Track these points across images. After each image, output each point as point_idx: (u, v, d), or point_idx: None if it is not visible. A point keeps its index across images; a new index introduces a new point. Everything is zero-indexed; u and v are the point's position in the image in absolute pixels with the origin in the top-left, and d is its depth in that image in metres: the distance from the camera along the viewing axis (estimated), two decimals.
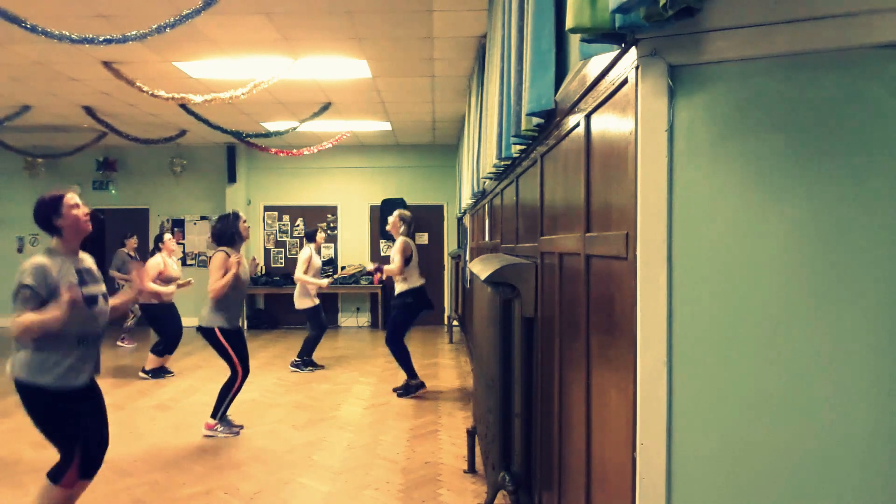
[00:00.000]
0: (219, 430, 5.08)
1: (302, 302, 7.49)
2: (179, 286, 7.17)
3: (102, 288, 3.20)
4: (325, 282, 7.59)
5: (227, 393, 5.07)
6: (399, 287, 6.40)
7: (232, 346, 5.02)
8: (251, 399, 6.22)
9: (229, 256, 5.03)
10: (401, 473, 4.22)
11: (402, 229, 6.48)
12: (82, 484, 3.18)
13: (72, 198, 3.09)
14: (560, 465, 2.43)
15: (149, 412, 5.81)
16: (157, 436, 5.08)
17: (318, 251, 7.78)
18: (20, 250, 11.36)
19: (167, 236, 7.21)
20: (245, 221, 5.22)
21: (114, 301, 3.35)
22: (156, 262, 6.96)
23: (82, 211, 3.10)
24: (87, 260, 3.19)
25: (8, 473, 4.27)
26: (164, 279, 6.97)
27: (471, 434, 4.32)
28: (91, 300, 3.06)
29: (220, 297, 4.97)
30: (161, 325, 7.13)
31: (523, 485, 3.06)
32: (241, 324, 5.21)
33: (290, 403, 6.08)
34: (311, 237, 7.72)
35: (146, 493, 3.92)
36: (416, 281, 6.39)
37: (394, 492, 3.91)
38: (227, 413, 5.19)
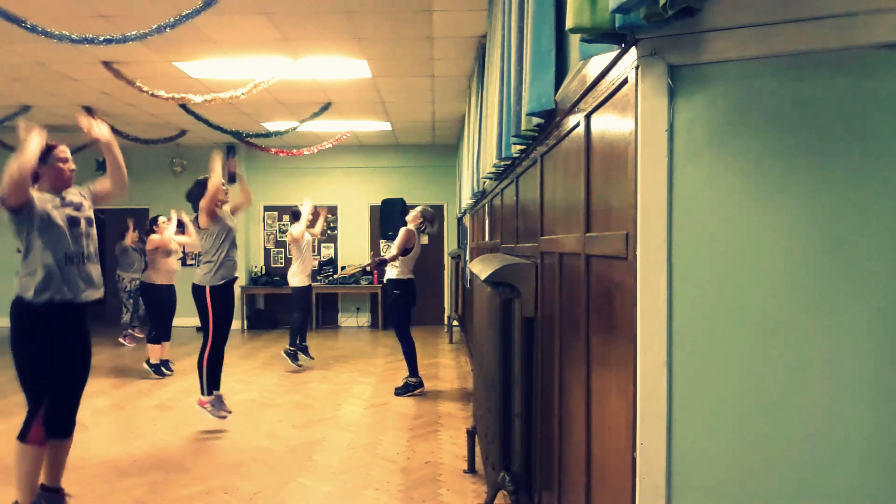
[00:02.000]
0: (210, 408, 5.12)
1: (294, 278, 7.56)
2: (185, 251, 7.29)
3: (88, 213, 3.32)
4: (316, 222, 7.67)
5: (202, 361, 5.11)
6: (390, 273, 6.43)
7: (214, 308, 5.03)
8: (251, 399, 6.22)
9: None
10: (401, 473, 4.22)
11: (418, 223, 6.50)
12: (56, 445, 3.19)
13: (63, 150, 3.18)
14: (560, 465, 2.43)
15: (149, 412, 5.81)
16: (157, 436, 5.08)
17: (313, 225, 7.91)
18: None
19: (161, 219, 7.28)
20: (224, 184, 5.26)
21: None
22: (154, 237, 7.08)
23: (68, 166, 3.18)
24: (73, 192, 3.29)
25: (8, 473, 4.27)
26: (164, 251, 7.07)
27: (471, 434, 4.32)
28: (73, 221, 3.20)
29: (214, 257, 5.02)
30: (153, 305, 7.18)
31: (523, 485, 3.06)
32: (235, 287, 5.28)
33: (289, 403, 6.08)
34: (296, 216, 7.76)
35: (146, 493, 3.92)
36: (406, 273, 6.40)
37: (394, 492, 3.91)
38: (222, 394, 5.21)
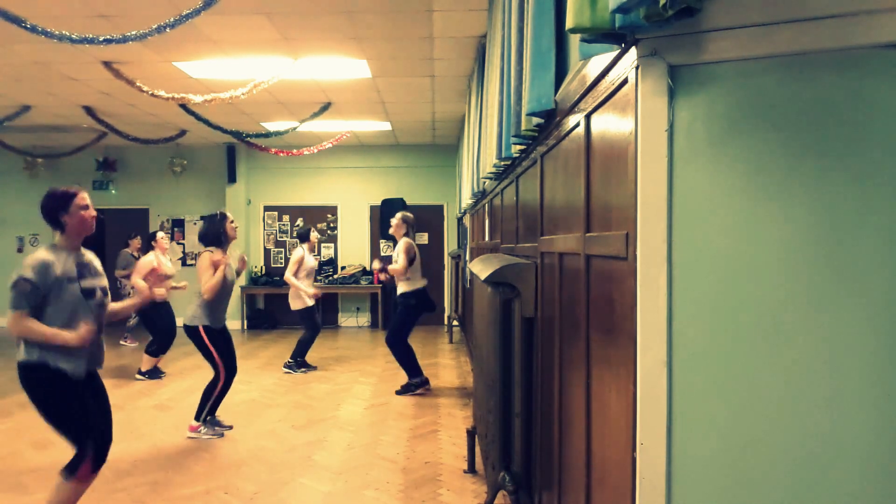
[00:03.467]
0: (202, 431, 5.05)
1: (295, 303, 7.50)
2: (173, 288, 7.21)
3: (102, 282, 3.25)
4: (312, 290, 7.48)
5: (210, 395, 5.05)
6: (402, 287, 6.42)
7: (215, 346, 5.00)
8: (251, 399, 6.22)
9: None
10: (401, 473, 4.22)
11: (404, 231, 6.53)
12: (91, 478, 3.20)
13: (83, 198, 3.15)
14: (560, 465, 2.43)
15: (149, 412, 5.81)
16: (157, 436, 5.08)
17: (314, 250, 7.76)
18: (20, 250, 11.36)
19: (160, 234, 7.23)
20: (233, 221, 5.20)
21: (118, 306, 3.40)
22: (148, 261, 6.94)
23: (90, 213, 3.16)
24: (89, 255, 3.26)
25: (8, 474, 4.27)
26: (157, 276, 7.00)
27: (471, 434, 4.32)
28: (89, 293, 3.12)
29: (208, 301, 4.96)
30: (153, 323, 7.15)
31: (523, 485, 3.06)
32: (227, 323, 5.21)
33: (289, 403, 6.08)
34: (303, 237, 7.71)
35: (146, 493, 3.92)
36: (419, 282, 6.43)
37: (394, 492, 3.91)
38: (217, 415, 5.19)
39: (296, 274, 7.38)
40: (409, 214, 6.67)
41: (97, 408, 3.22)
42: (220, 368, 5.02)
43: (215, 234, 5.09)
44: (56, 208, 3.08)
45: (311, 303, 7.51)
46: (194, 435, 5.05)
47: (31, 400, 3.06)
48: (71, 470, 3.07)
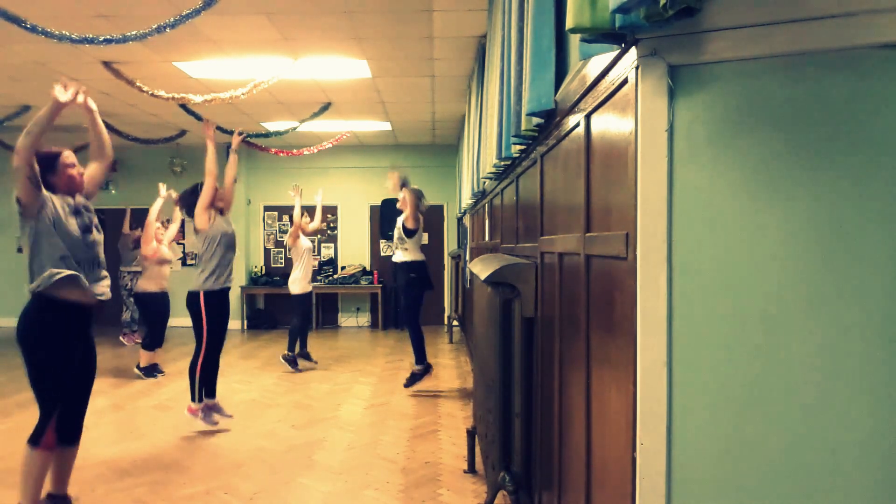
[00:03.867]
0: (199, 416, 5.09)
1: (296, 285, 7.56)
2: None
3: (95, 220, 3.35)
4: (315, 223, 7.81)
5: (194, 370, 5.07)
6: (401, 257, 6.33)
7: (208, 313, 5.00)
8: (251, 399, 6.22)
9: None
10: (401, 473, 4.22)
11: (415, 201, 6.38)
12: (64, 452, 3.20)
13: (68, 156, 3.21)
14: (560, 465, 2.43)
15: (149, 412, 5.81)
16: (157, 436, 5.08)
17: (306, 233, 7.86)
18: (20, 250, 11.35)
19: (157, 225, 7.27)
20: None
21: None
22: (150, 245, 7.09)
23: (77, 170, 3.21)
24: (80, 197, 3.31)
25: (8, 473, 4.27)
26: (157, 260, 7.07)
27: (471, 434, 4.32)
28: (85, 228, 3.21)
29: (211, 259, 5.00)
30: (147, 314, 7.20)
31: (523, 485, 3.06)
32: (230, 284, 5.25)
33: (289, 403, 6.08)
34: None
35: (146, 493, 3.92)
36: (419, 255, 6.37)
37: (394, 492, 3.91)
38: (217, 401, 5.20)
39: (294, 246, 7.55)
40: (417, 188, 6.52)
41: (80, 373, 3.23)
42: (203, 337, 5.03)
43: (195, 198, 5.18)
44: (43, 170, 3.14)
45: (309, 288, 7.63)
46: (195, 416, 5.07)
47: (20, 345, 3.11)
48: (34, 439, 3.09)
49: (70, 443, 3.23)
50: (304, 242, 7.69)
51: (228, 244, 5.14)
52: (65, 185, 3.19)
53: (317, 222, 8.06)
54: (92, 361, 3.36)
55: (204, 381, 5.10)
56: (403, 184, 6.37)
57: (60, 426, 3.13)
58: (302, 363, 7.68)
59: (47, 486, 3.35)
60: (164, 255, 7.22)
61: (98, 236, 3.29)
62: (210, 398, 5.16)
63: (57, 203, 3.13)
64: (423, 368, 6.36)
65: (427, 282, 6.44)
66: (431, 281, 6.58)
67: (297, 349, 7.63)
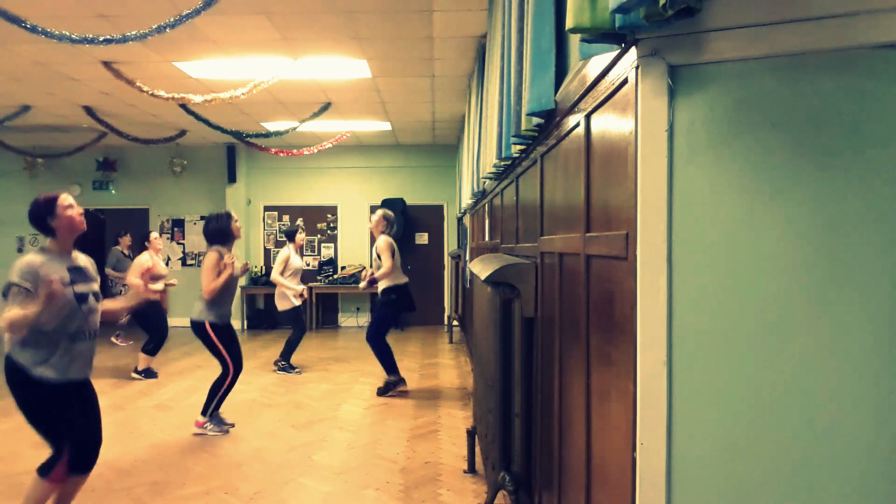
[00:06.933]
0: (209, 427, 5.10)
1: (282, 303, 7.50)
2: (167, 285, 7.21)
3: (95, 287, 3.24)
4: (300, 287, 7.48)
5: (218, 390, 5.09)
6: (383, 284, 6.38)
7: (222, 343, 5.03)
8: (251, 399, 6.22)
9: (222, 256, 5.05)
10: (401, 473, 4.22)
11: (383, 227, 6.51)
12: (75, 480, 3.18)
13: (66, 199, 3.16)
14: (560, 465, 2.43)
15: (149, 412, 5.81)
16: (157, 436, 5.08)
17: (299, 252, 7.78)
18: (20, 250, 11.35)
19: (153, 235, 7.23)
20: (237, 221, 5.25)
21: (110, 304, 3.40)
22: (143, 260, 6.95)
23: (76, 211, 3.17)
24: (82, 258, 3.25)
25: (8, 474, 4.27)
26: (152, 277, 7.02)
27: (471, 434, 4.32)
28: (82, 298, 3.11)
29: (214, 299, 5.00)
30: (148, 322, 7.18)
31: (523, 485, 3.06)
32: (231, 320, 5.25)
33: (289, 403, 6.08)
34: (290, 236, 7.69)
35: (146, 493, 3.92)
36: (401, 278, 6.40)
37: (394, 492, 3.91)
38: (220, 411, 5.20)
39: (282, 273, 7.38)
40: (389, 213, 6.65)
41: (83, 412, 3.18)
42: (229, 363, 5.07)
43: (221, 232, 5.13)
44: (42, 215, 3.10)
45: (297, 302, 7.50)
46: (200, 431, 5.08)
47: (9, 389, 3.05)
48: (44, 470, 3.08)
49: (82, 472, 3.21)
50: (295, 262, 7.57)
51: (232, 287, 5.17)
52: (66, 227, 3.11)
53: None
54: (91, 395, 3.30)
55: (222, 398, 5.12)
56: (382, 231, 6.49)
57: (73, 459, 3.12)
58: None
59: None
60: (160, 270, 7.09)
61: (96, 304, 3.18)
62: (216, 411, 5.18)
63: (49, 271, 2.98)
64: (397, 379, 6.35)
65: (408, 303, 6.46)
66: (414, 303, 6.59)
67: (281, 356, 7.59)
